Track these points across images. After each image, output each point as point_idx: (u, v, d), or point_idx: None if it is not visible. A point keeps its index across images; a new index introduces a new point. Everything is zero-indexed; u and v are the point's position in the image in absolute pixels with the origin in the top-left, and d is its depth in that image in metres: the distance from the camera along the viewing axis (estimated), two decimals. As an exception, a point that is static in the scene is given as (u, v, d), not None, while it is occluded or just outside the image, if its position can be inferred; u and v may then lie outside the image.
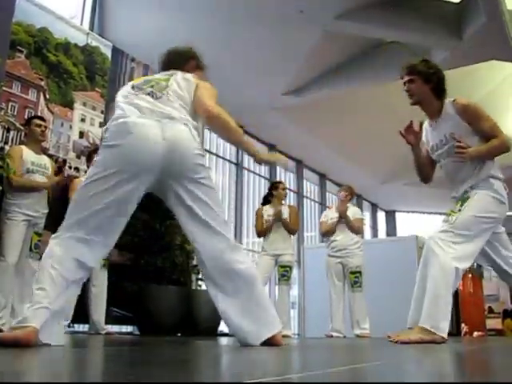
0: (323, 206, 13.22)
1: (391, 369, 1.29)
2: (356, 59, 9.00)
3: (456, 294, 6.40)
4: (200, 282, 5.89)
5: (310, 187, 13.62)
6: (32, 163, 4.38)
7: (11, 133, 5.03)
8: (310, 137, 11.21)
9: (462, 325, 7.84)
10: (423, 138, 3.00)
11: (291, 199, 12.11)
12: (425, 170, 3.03)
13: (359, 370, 1.22)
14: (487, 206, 2.77)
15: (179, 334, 5.24)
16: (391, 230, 16.89)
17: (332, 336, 5.12)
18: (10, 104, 5.09)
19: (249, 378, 0.98)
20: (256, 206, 5.76)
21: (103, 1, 7.64)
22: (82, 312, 4.54)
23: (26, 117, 5.03)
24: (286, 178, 12.41)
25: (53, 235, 1.99)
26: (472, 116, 2.78)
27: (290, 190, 11.52)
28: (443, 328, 2.61)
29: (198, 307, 5.47)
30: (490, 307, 10.52)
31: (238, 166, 11.00)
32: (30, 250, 4.29)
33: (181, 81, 2.27)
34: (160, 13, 7.51)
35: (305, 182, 13.17)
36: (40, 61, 5.51)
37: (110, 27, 7.64)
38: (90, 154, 4.86)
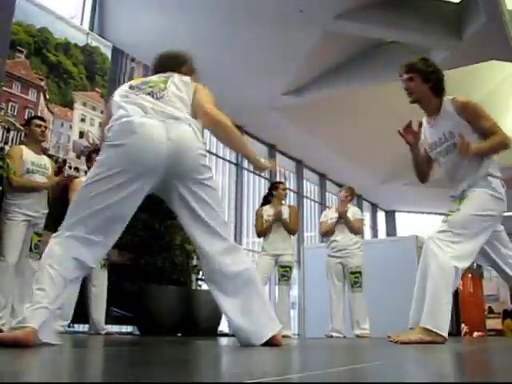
0: (323, 206, 13.22)
1: (391, 369, 1.29)
2: (356, 59, 9.00)
3: (456, 294, 6.40)
4: (200, 282, 5.90)
5: (310, 187, 13.62)
6: (32, 163, 4.38)
7: (11, 133, 5.03)
8: (310, 137, 11.20)
9: (462, 325, 7.84)
10: (422, 136, 3.00)
11: (291, 199, 12.11)
12: (422, 169, 3.04)
13: (359, 370, 1.22)
14: (485, 203, 2.77)
15: (179, 334, 5.24)
16: (391, 230, 16.89)
17: (332, 336, 5.12)
18: (10, 104, 5.09)
19: (249, 378, 0.98)
20: (256, 206, 5.76)
21: (103, 1, 7.63)
22: (82, 312, 4.54)
23: (26, 117, 5.03)
24: (286, 177, 12.41)
25: (53, 234, 1.99)
26: (471, 114, 2.78)
27: (289, 190, 11.52)
28: (444, 328, 2.61)
29: (198, 307, 5.48)
30: (489, 307, 10.52)
31: (238, 166, 11.00)
32: (30, 250, 4.30)
33: (179, 83, 2.26)
34: (160, 13, 7.51)
35: (305, 181, 13.17)
36: (40, 61, 5.51)
37: (110, 27, 7.64)
38: (89, 154, 4.87)
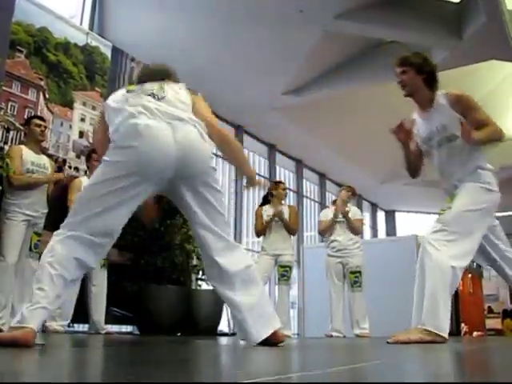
0: (323, 205, 13.22)
1: (391, 368, 1.29)
2: (356, 59, 9.01)
3: (456, 294, 6.41)
4: (200, 282, 5.90)
5: (310, 187, 13.63)
6: (32, 163, 4.38)
7: (11, 133, 5.03)
8: (310, 137, 11.20)
9: (462, 325, 7.84)
10: (414, 131, 3.01)
11: (291, 199, 12.12)
12: (414, 164, 3.06)
13: (359, 369, 1.22)
14: (476, 197, 2.78)
15: (179, 334, 5.24)
16: (391, 229, 16.89)
17: (332, 336, 5.12)
18: (10, 104, 5.09)
19: (248, 377, 0.99)
20: (256, 206, 5.76)
21: (103, 0, 7.63)
22: (81, 312, 4.54)
23: (25, 117, 5.03)
24: (286, 177, 12.42)
25: (55, 232, 1.98)
26: (465, 106, 2.81)
27: (289, 189, 11.52)
28: (443, 328, 2.61)
29: (198, 307, 5.48)
30: (489, 307, 10.53)
31: (238, 165, 10.98)
32: (30, 249, 4.30)
33: (175, 87, 2.24)
34: (160, 13, 7.51)
35: (304, 181, 13.17)
36: (40, 60, 5.50)
37: (110, 27, 7.63)
38: (89, 153, 4.87)
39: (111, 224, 1.98)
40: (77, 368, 1.28)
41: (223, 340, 3.69)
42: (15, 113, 5.10)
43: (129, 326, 6.13)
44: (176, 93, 2.21)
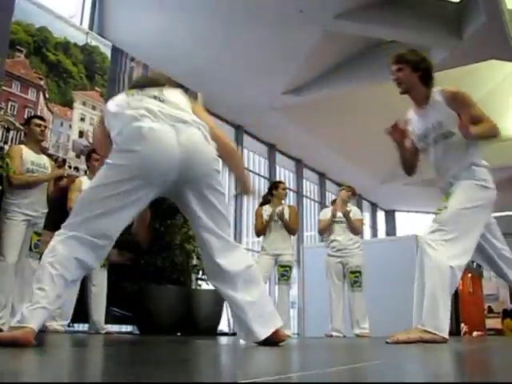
0: (323, 205, 13.22)
1: (391, 368, 1.29)
2: (356, 59, 9.01)
3: (456, 294, 6.41)
4: (200, 282, 5.90)
5: (310, 187, 13.63)
6: (32, 163, 4.38)
7: (11, 132, 5.03)
8: (310, 137, 11.21)
9: (462, 324, 7.84)
10: (409, 129, 3.02)
11: (291, 199, 12.12)
12: (409, 162, 3.07)
13: (359, 369, 1.22)
14: (471, 194, 2.78)
15: (179, 334, 5.24)
16: (391, 229, 16.90)
17: (332, 335, 5.12)
18: (10, 103, 5.09)
19: (248, 377, 0.98)
20: (256, 206, 5.76)
21: (103, 0, 7.63)
22: (81, 311, 4.55)
23: (25, 116, 5.03)
24: (286, 177, 12.42)
25: (56, 232, 1.98)
26: (461, 102, 2.81)
27: (289, 189, 11.52)
28: (443, 329, 2.60)
29: (198, 307, 5.48)
30: (489, 307, 10.54)
31: (238, 165, 10.98)
32: (30, 249, 4.30)
33: (174, 91, 2.24)
34: (160, 13, 7.51)
35: (304, 181, 13.18)
36: (39, 60, 5.50)
37: (110, 27, 7.64)
38: (89, 153, 4.87)
39: (111, 227, 1.98)
40: (77, 368, 1.28)
41: (223, 340, 3.69)
42: (15, 112, 5.10)
43: (129, 326, 6.13)
44: (176, 96, 2.21)
